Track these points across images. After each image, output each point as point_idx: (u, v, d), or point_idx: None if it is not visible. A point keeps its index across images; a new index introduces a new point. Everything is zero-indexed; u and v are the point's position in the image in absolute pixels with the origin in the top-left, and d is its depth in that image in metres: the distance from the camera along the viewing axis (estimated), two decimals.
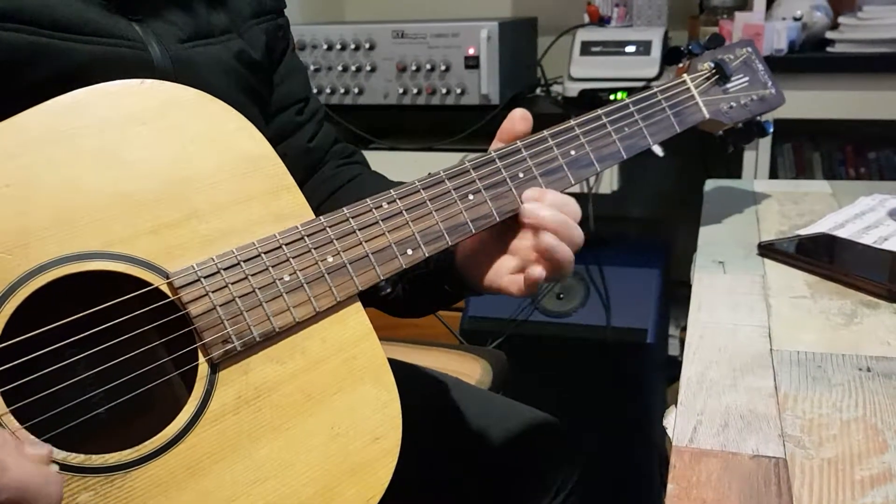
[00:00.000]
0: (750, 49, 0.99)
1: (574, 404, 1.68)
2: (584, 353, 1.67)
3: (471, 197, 0.72)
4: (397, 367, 0.65)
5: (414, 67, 1.83)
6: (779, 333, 0.72)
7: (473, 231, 0.72)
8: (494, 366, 1.28)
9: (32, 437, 0.51)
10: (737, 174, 1.81)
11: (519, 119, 0.75)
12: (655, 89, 0.88)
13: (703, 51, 0.95)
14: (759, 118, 0.99)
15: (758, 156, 1.78)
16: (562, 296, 1.72)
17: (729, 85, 0.94)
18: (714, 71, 0.94)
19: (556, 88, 2.08)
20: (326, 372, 0.62)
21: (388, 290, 0.82)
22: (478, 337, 1.71)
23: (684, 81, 0.91)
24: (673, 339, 2.18)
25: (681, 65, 0.97)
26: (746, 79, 0.97)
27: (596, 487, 1.05)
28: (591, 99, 1.81)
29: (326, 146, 0.93)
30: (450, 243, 0.70)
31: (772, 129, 1.00)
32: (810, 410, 0.59)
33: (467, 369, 1.26)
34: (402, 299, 0.83)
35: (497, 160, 0.75)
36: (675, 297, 1.96)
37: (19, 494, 0.45)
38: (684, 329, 2.24)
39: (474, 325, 1.74)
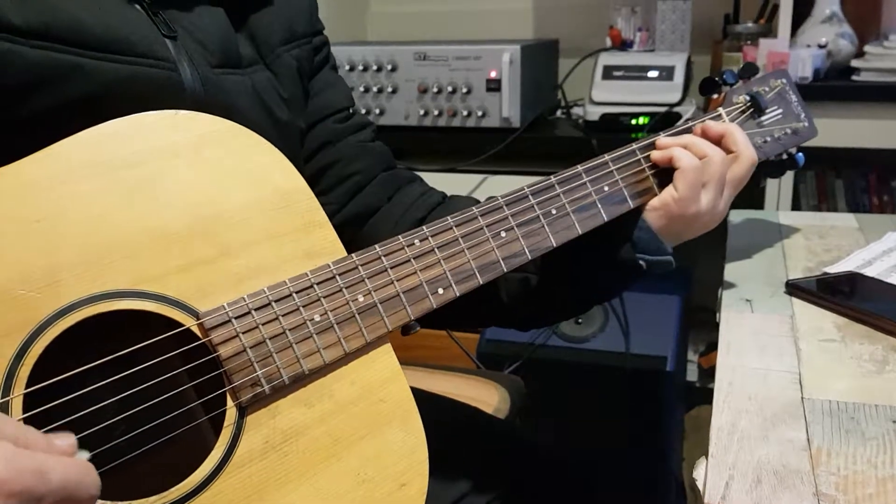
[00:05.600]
0: (784, 80, 0.97)
1: (591, 431, 1.67)
2: (602, 380, 1.65)
3: (503, 234, 0.72)
4: (416, 398, 0.64)
5: (435, 89, 1.83)
6: (809, 380, 0.71)
7: (505, 270, 0.71)
8: (512, 393, 1.27)
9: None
10: (759, 200, 1.79)
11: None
12: (691, 123, 0.87)
13: (736, 80, 0.94)
14: (791, 151, 0.98)
15: (780, 183, 1.77)
16: (580, 321, 1.71)
17: (763, 118, 0.93)
18: (749, 104, 0.92)
19: (576, 111, 2.07)
20: (354, 415, 0.61)
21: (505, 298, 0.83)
22: (494, 360, 1.70)
23: (720, 115, 0.91)
24: (691, 364, 2.16)
25: (715, 96, 0.96)
26: (780, 111, 0.95)
27: None
28: (613, 123, 1.81)
29: (390, 156, 0.92)
30: (481, 282, 0.70)
31: (803, 162, 0.99)
32: (844, 466, 0.58)
33: (485, 396, 1.25)
34: (532, 290, 0.85)
35: (530, 196, 0.74)
36: (693, 321, 1.94)
37: (66, 494, 0.44)
38: (702, 354, 2.23)
39: (491, 348, 1.73)
